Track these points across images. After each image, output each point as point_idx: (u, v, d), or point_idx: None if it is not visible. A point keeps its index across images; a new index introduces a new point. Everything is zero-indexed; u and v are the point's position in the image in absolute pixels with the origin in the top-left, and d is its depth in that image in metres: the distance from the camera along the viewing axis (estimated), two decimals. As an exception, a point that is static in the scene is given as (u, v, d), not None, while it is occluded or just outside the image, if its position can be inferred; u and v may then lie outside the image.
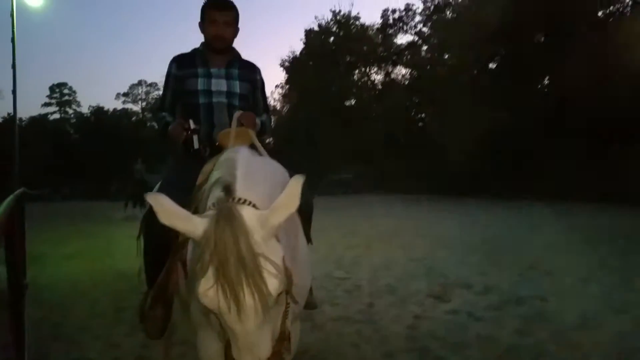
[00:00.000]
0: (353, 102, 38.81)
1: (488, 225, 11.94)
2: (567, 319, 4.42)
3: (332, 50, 36.31)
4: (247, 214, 1.37)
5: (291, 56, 38.95)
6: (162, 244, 2.16)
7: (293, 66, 38.40)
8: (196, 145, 2.43)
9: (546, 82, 25.06)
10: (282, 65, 39.22)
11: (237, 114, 2.40)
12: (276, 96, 42.21)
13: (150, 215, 2.33)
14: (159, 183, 2.60)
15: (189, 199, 1.95)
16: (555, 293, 5.35)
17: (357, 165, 34.29)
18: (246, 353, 1.35)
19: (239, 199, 1.42)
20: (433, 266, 6.95)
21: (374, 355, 3.68)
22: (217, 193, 1.53)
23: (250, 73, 2.71)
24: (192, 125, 2.43)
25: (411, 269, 6.85)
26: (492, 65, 27.38)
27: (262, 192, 1.56)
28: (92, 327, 4.40)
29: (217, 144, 2.39)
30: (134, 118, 57.56)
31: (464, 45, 24.39)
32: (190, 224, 1.35)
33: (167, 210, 1.34)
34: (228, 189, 1.44)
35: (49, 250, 8.89)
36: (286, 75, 39.76)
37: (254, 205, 1.43)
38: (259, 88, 2.76)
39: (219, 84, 2.58)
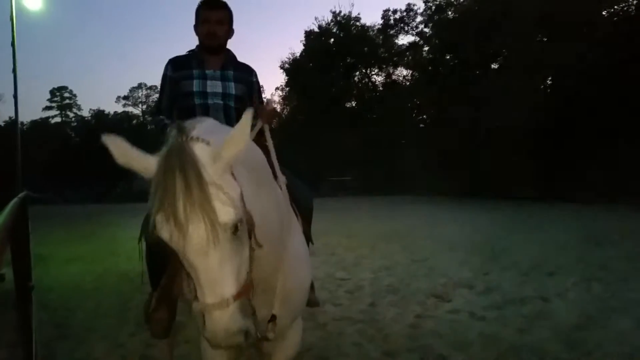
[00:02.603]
0: (354, 103, 38.86)
1: (489, 226, 11.95)
2: (569, 318, 4.45)
3: (333, 51, 36.34)
4: (199, 148, 1.37)
5: (291, 58, 39.04)
6: (164, 246, 2.20)
7: (293, 68, 38.44)
8: None
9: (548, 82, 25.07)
10: (282, 67, 39.28)
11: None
12: (276, 98, 42.25)
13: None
14: None
15: None
16: (558, 293, 5.37)
17: (358, 167, 34.34)
18: (209, 291, 1.32)
19: (192, 137, 1.41)
20: (435, 267, 6.98)
21: (376, 354, 3.71)
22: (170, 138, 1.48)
23: (245, 74, 2.72)
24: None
25: (413, 269, 6.88)
26: (494, 66, 27.36)
27: (219, 139, 1.46)
28: (97, 327, 4.44)
29: None
30: (134, 121, 57.65)
31: (466, 44, 24.42)
32: (144, 162, 1.36)
33: (122, 150, 1.34)
34: (181, 128, 1.42)
35: (52, 252, 8.94)
36: (286, 78, 39.82)
37: (207, 143, 1.41)
38: (255, 90, 2.78)
39: (215, 86, 2.60)
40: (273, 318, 1.65)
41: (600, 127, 18.58)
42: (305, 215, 2.38)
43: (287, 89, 41.03)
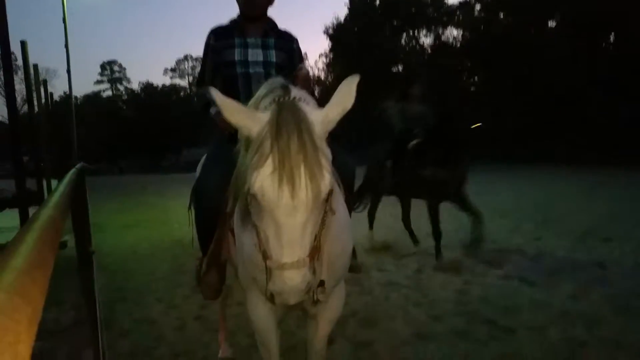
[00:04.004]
0: (401, 68, 37.79)
1: (541, 192, 11.57)
2: (624, 285, 4.29)
3: (379, 13, 35.24)
4: (306, 108, 1.43)
5: (335, 23, 38.24)
6: (211, 214, 2.27)
7: (337, 33, 37.69)
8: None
9: (611, 39, 23.55)
10: (326, 32, 38.58)
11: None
12: (320, 65, 41.73)
13: (199, 188, 2.43)
14: (204, 158, 2.67)
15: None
16: (613, 260, 5.17)
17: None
18: (287, 250, 1.36)
19: (296, 97, 1.46)
20: (486, 233, 6.84)
21: (422, 318, 3.72)
22: (272, 95, 1.53)
23: (287, 42, 2.68)
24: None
25: (461, 236, 6.77)
26: (551, 24, 25.89)
27: (312, 103, 1.57)
28: (153, 290, 4.68)
29: None
30: (182, 93, 58.86)
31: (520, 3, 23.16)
32: (252, 117, 1.41)
33: (230, 106, 1.41)
34: (286, 88, 1.47)
35: (109, 221, 9.40)
36: (330, 44, 39.13)
37: (308, 104, 1.48)
38: (297, 57, 2.74)
39: (256, 54, 2.58)
40: (322, 283, 1.68)
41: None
42: (347, 183, 2.37)
43: (331, 55, 40.32)
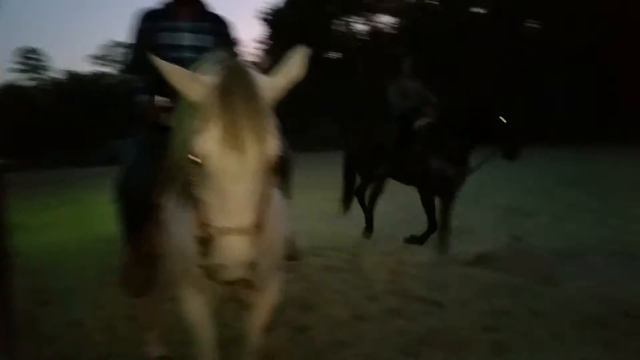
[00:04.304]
0: (339, 55, 37.76)
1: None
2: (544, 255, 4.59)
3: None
4: (255, 73, 1.40)
5: (271, 8, 37.54)
6: (138, 207, 2.17)
7: (275, 19, 37.08)
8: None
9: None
10: (262, 18, 37.83)
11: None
12: (257, 52, 40.95)
13: (125, 180, 2.32)
14: (127, 148, 2.55)
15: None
16: (533, 232, 5.51)
17: (341, 121, 33.93)
18: (234, 214, 1.33)
19: (244, 62, 1.45)
20: (417, 214, 7.06)
21: (359, 300, 3.80)
22: (218, 61, 1.48)
23: (219, 27, 2.60)
24: (165, 104, 2.33)
25: (396, 218, 6.95)
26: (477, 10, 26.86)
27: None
28: (80, 291, 4.44)
29: None
30: (108, 80, 55.93)
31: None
32: (198, 80, 1.38)
33: (175, 69, 1.39)
34: (232, 55, 1.49)
35: (33, 220, 8.82)
36: (268, 30, 38.39)
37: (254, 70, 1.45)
38: (231, 43, 2.68)
39: (186, 38, 2.50)
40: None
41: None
42: (284, 169, 2.35)
43: (271, 42, 39.56)
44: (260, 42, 40.67)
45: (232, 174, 1.32)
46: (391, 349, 2.94)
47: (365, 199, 6.23)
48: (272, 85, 1.41)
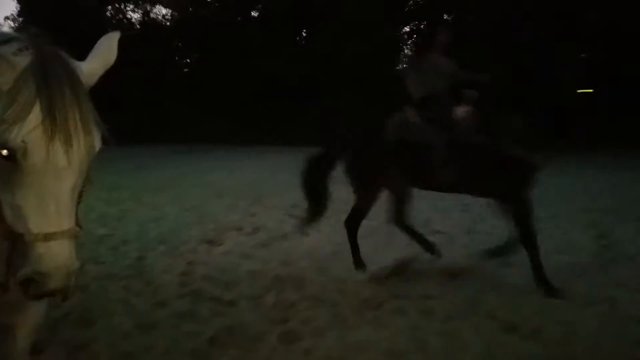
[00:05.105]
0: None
1: (255, 172, 12.50)
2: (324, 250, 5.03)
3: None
4: (67, 56, 1.25)
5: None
6: None
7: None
8: None
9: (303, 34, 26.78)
10: (13, -7, 32.32)
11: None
12: (6, 30, 34.86)
13: None
14: None
15: None
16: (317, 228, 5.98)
17: (121, 116, 31.37)
18: (57, 216, 1.17)
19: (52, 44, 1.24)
20: (206, 213, 7.03)
21: (145, 307, 3.59)
22: (17, 42, 1.24)
23: None
24: None
25: (183, 218, 6.79)
26: (254, 14, 27.75)
27: None
28: None
29: None
30: None
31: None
32: (2, 63, 1.15)
33: None
34: (38, 34, 1.23)
35: None
36: (18, 6, 33.04)
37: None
38: None
39: None
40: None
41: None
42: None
43: (21, 19, 34.10)
44: (13, 19, 34.93)
45: (56, 169, 1.15)
46: (181, 354, 2.87)
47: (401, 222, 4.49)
48: (88, 71, 1.28)
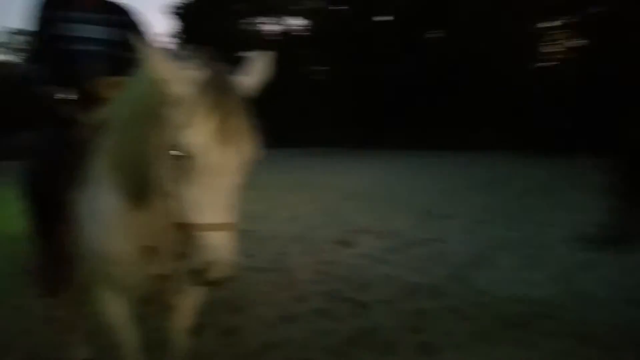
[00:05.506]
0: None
1: (386, 175, 12.48)
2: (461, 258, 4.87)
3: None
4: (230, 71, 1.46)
5: (182, 2, 36.41)
6: (47, 203, 2.10)
7: (188, 13, 36.01)
8: (74, 114, 2.19)
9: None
10: (174, 12, 36.55)
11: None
12: (169, 46, 39.22)
13: (34, 175, 2.20)
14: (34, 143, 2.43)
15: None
16: (452, 235, 5.83)
17: (259, 120, 33.42)
18: (223, 209, 1.34)
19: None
20: (337, 215, 7.23)
21: (287, 300, 3.83)
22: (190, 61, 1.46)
23: (120, 16, 2.49)
24: (69, 96, 2.22)
25: (317, 219, 7.05)
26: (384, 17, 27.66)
27: None
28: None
29: (92, 94, 2.18)
30: (9, 70, 51.03)
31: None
32: (183, 73, 1.37)
33: (160, 56, 1.37)
34: (208, 52, 1.46)
35: None
36: (180, 24, 37.19)
37: None
38: (136, 31, 2.48)
39: (88, 30, 2.39)
40: None
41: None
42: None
43: (184, 36, 38.32)
44: (173, 36, 39.24)
45: (224, 168, 1.34)
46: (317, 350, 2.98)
47: None
48: (248, 85, 1.47)
